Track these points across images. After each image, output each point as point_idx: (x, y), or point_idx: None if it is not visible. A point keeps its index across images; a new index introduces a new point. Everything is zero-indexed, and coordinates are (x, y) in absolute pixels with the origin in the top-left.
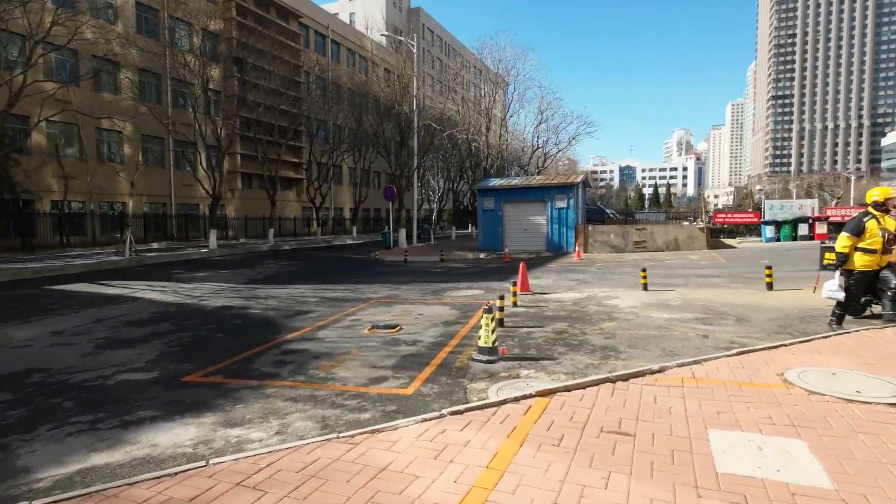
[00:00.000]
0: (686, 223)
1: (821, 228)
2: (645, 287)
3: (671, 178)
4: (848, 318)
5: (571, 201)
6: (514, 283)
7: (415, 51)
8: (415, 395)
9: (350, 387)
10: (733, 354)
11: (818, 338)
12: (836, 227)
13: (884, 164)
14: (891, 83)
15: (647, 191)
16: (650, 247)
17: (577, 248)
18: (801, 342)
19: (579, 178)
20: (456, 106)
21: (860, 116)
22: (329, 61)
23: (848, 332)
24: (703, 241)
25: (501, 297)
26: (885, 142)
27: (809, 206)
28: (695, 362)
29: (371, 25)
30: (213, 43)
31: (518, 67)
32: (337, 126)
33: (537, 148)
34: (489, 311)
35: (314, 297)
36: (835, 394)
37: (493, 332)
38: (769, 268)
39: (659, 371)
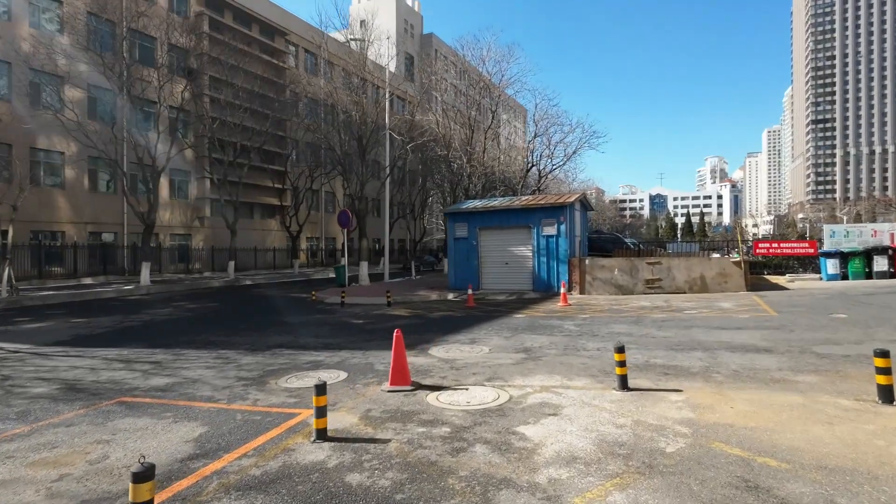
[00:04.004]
0: (716, 255)
1: None
2: (623, 383)
3: (705, 206)
4: None
5: (563, 227)
6: (319, 393)
7: (391, 54)
8: None
9: None
10: None
11: None
12: None
13: None
14: None
15: (680, 220)
16: (667, 287)
17: (562, 290)
18: None
19: (573, 198)
20: (436, 118)
21: None
22: (323, 83)
23: None
24: (741, 280)
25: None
26: None
27: (888, 232)
28: None
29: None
30: (181, 59)
31: (503, 67)
32: (319, 147)
33: (532, 165)
34: None
35: (46, 386)
36: None
37: None
38: (883, 355)
39: None
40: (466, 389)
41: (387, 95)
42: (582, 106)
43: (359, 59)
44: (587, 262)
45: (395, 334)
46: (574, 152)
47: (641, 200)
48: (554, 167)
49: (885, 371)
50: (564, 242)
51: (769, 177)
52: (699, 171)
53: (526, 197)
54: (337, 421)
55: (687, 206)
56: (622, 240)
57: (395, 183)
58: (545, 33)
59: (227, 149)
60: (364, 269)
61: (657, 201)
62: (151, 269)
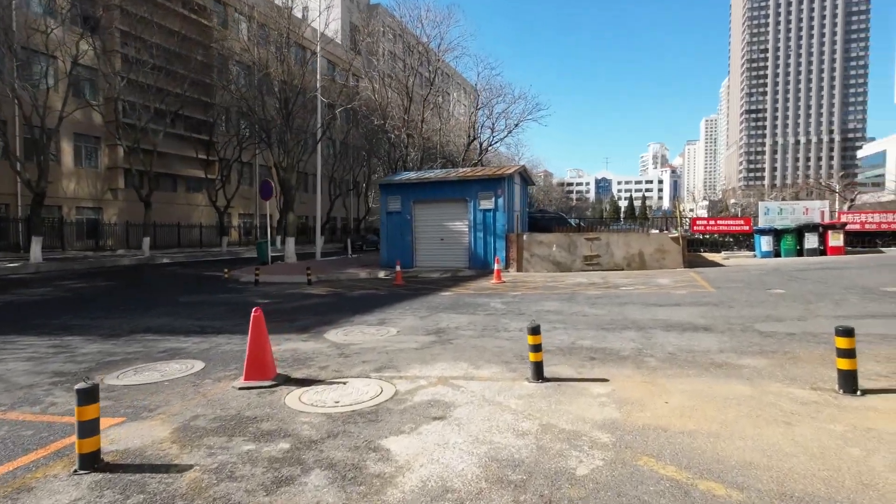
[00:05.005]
0: (655, 231)
1: (835, 240)
2: (537, 372)
3: (647, 190)
4: None
5: (501, 201)
6: (84, 401)
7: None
8: None
9: None
10: None
11: None
12: (855, 238)
13: (861, 177)
14: (860, 98)
15: (623, 203)
16: (606, 264)
17: (496, 267)
18: None
19: (511, 170)
20: (373, 84)
21: (831, 131)
22: (255, 48)
23: None
24: (678, 257)
25: None
26: (861, 153)
27: (818, 210)
28: None
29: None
30: (84, 8)
31: (442, 30)
32: (248, 114)
33: (474, 138)
34: None
35: None
36: None
37: None
38: (846, 334)
39: None
40: (344, 383)
41: (318, 51)
42: (527, 83)
43: (282, 11)
44: (525, 237)
45: (253, 314)
46: (517, 125)
47: (588, 184)
48: (496, 140)
49: (848, 353)
50: (502, 217)
51: (706, 163)
52: (642, 157)
53: (463, 169)
54: (139, 435)
55: (630, 190)
56: (566, 219)
57: (334, 157)
58: (496, 21)
59: (140, 112)
60: (291, 245)
61: (602, 185)
62: (54, 246)
